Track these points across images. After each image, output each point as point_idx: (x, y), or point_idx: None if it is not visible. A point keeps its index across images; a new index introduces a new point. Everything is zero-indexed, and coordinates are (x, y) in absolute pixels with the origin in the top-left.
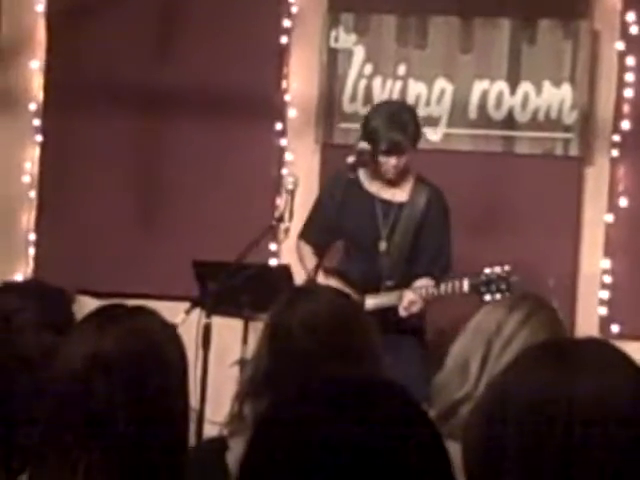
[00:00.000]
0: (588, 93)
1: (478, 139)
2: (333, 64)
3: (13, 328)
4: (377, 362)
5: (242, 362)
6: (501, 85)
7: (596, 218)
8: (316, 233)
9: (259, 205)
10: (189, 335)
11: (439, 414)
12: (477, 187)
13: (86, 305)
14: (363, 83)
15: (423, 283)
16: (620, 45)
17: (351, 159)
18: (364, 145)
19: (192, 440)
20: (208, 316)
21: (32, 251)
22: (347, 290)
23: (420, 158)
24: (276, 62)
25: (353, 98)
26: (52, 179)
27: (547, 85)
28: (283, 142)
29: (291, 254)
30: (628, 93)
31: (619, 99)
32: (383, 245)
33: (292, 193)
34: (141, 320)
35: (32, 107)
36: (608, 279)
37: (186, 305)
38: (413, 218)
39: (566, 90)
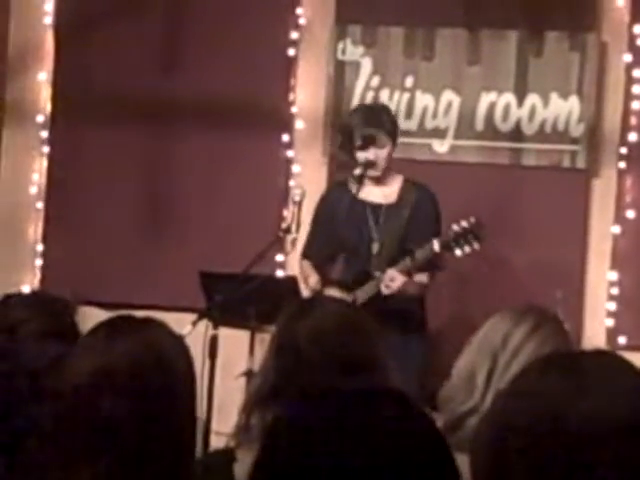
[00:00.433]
0: (595, 105)
1: (485, 151)
2: (340, 76)
3: (18, 339)
4: (385, 372)
5: (249, 373)
6: (508, 97)
7: (603, 230)
8: (317, 249)
9: (266, 216)
10: (196, 346)
11: (446, 426)
12: (484, 199)
13: (93, 316)
14: (370, 95)
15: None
16: (628, 57)
17: (358, 171)
18: (370, 157)
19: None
20: (215, 327)
21: (39, 262)
22: (344, 296)
23: (427, 170)
24: (284, 74)
25: None
26: (59, 190)
27: (554, 97)
28: (290, 154)
29: (297, 265)
30: (635, 105)
31: (626, 111)
32: (375, 247)
33: (299, 205)
34: (150, 332)
35: (40, 119)
36: (615, 291)
37: (193, 316)
38: (402, 218)
39: (573, 102)
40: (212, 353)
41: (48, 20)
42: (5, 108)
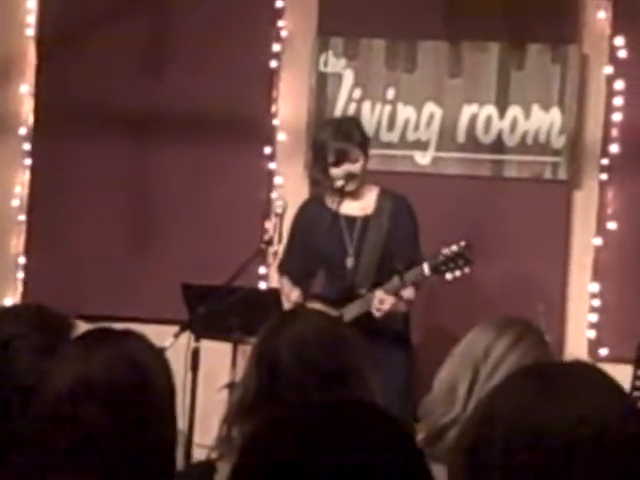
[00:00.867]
0: (577, 117)
1: (467, 163)
2: (322, 88)
3: (11, 355)
4: (366, 384)
5: (231, 386)
6: (490, 109)
7: (585, 242)
8: (295, 265)
9: (248, 229)
10: (178, 358)
11: (426, 438)
12: (465, 211)
13: (76, 328)
14: (352, 107)
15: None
16: (609, 69)
17: (340, 183)
18: (353, 169)
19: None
20: (197, 340)
21: (21, 275)
22: (328, 311)
23: (409, 182)
24: (265, 86)
25: None
26: (42, 203)
27: (536, 109)
28: (272, 166)
29: (278, 281)
30: (617, 117)
31: (607, 123)
32: (350, 261)
33: (281, 217)
34: (128, 344)
35: (22, 131)
36: (597, 302)
37: (175, 328)
38: (381, 229)
39: (555, 114)
40: (194, 365)
41: (30, 32)
42: None
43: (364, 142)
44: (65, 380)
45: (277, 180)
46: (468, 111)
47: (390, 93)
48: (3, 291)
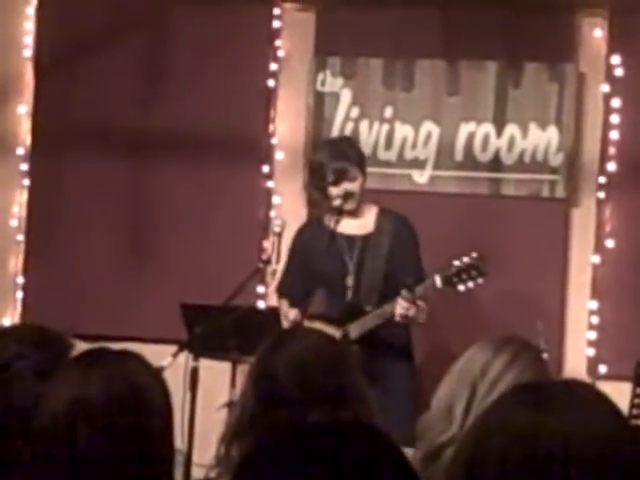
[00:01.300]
0: (574, 135)
1: (464, 181)
2: (320, 107)
3: (11, 376)
4: (364, 404)
5: (230, 405)
6: (487, 127)
7: (583, 259)
8: (293, 286)
9: (246, 248)
10: (177, 378)
11: (424, 456)
12: (463, 229)
13: (75, 348)
14: (350, 126)
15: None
16: (605, 87)
17: (337, 202)
18: (351, 187)
19: None
20: (195, 359)
21: (20, 295)
22: (331, 330)
23: (407, 200)
24: (263, 105)
25: None
26: (40, 223)
27: (533, 127)
28: (270, 185)
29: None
30: (614, 135)
31: (605, 141)
32: (350, 280)
33: (279, 236)
34: (125, 364)
35: (20, 151)
36: (595, 320)
37: (174, 348)
38: (382, 247)
39: (552, 132)
40: (193, 385)
41: (28, 53)
42: None
43: (361, 161)
44: (62, 401)
45: (275, 199)
46: (465, 129)
47: (388, 112)
48: (2, 311)
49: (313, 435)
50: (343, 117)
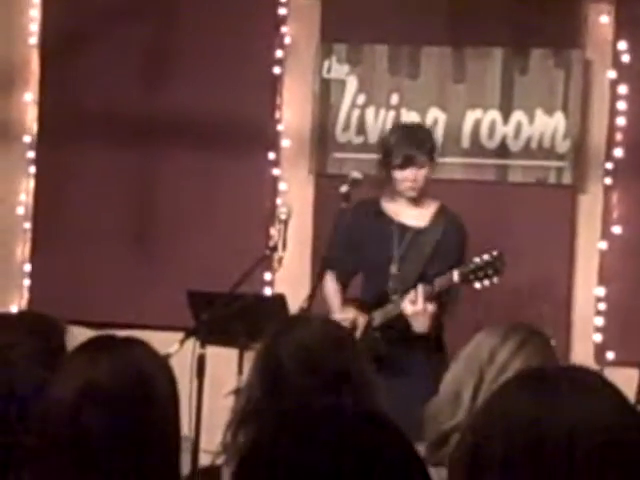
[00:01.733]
0: (581, 121)
1: (471, 168)
2: (326, 94)
3: (7, 363)
4: (369, 390)
5: (238, 392)
6: (494, 114)
7: (590, 246)
8: (337, 261)
9: (253, 235)
10: (184, 365)
11: (431, 442)
12: (470, 216)
13: (81, 335)
14: (356, 113)
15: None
16: (612, 74)
17: (344, 188)
18: (357, 174)
19: (187, 470)
20: (202, 346)
21: (27, 282)
22: (361, 315)
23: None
24: (269, 92)
25: (346, 128)
26: (46, 210)
27: (540, 114)
28: (276, 172)
29: (285, 283)
30: (620, 121)
31: (611, 127)
32: (394, 268)
33: (285, 223)
34: (131, 351)
35: (26, 139)
36: (602, 306)
37: (181, 335)
38: (428, 245)
39: (559, 119)
40: (200, 372)
41: (33, 40)
42: None
43: (432, 152)
44: (70, 388)
45: (281, 186)
46: (472, 116)
47: (394, 99)
48: (9, 298)
49: (318, 421)
50: (349, 104)
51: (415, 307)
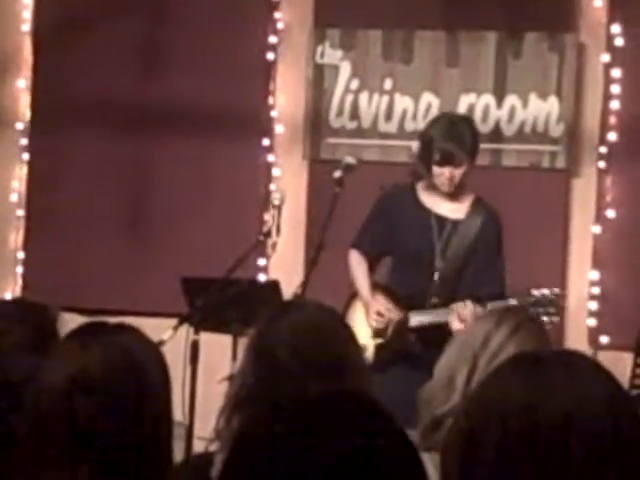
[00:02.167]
0: (574, 105)
1: None
2: (319, 80)
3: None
4: (361, 375)
5: (232, 378)
6: (487, 98)
7: (584, 230)
8: (370, 244)
9: (247, 221)
10: (177, 351)
11: (425, 427)
12: None
13: (75, 322)
14: (350, 98)
15: (466, 304)
16: (606, 57)
17: (338, 174)
18: (351, 160)
19: (181, 456)
20: (196, 332)
21: (20, 270)
22: (391, 306)
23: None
24: (263, 78)
25: (340, 113)
26: (40, 198)
27: (533, 98)
28: (270, 158)
29: (279, 269)
30: (614, 105)
31: (605, 111)
32: (438, 261)
33: (279, 208)
34: (123, 338)
35: (19, 126)
36: (596, 290)
37: (174, 322)
38: (467, 238)
39: (552, 103)
40: (193, 358)
41: (26, 27)
42: None
43: (474, 147)
44: (61, 375)
45: (275, 172)
46: (466, 101)
47: (387, 84)
48: (3, 286)
49: (311, 407)
50: (343, 89)
51: (463, 326)
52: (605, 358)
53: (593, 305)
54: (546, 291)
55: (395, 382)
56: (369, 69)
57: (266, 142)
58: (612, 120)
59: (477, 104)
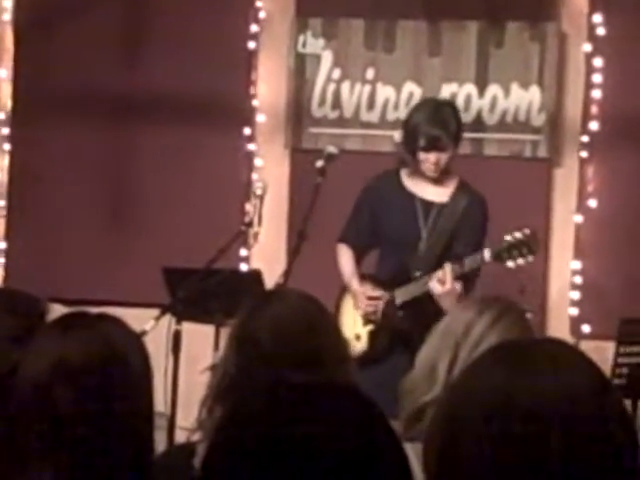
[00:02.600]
0: (556, 95)
1: None
2: (301, 69)
3: None
4: (344, 365)
5: (214, 368)
6: (469, 88)
7: (565, 219)
8: (357, 236)
9: (229, 210)
10: (159, 342)
11: (407, 417)
12: None
13: (57, 312)
14: (332, 87)
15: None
16: (587, 47)
17: (320, 163)
18: (333, 149)
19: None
20: (178, 322)
21: (1, 260)
22: (379, 291)
23: (389, 162)
24: (244, 67)
25: (322, 103)
26: (21, 188)
27: (515, 87)
28: (252, 147)
29: (261, 259)
30: (596, 94)
31: (587, 100)
32: (423, 245)
33: (261, 198)
34: (104, 327)
35: (1, 116)
36: (578, 280)
37: (156, 312)
38: (451, 221)
39: (534, 92)
40: (175, 348)
41: (7, 17)
42: None
43: (458, 131)
44: (41, 365)
45: (257, 161)
46: (448, 90)
47: (369, 73)
48: None
49: (293, 396)
50: (325, 78)
51: (444, 287)
52: (587, 347)
53: (575, 294)
54: (517, 233)
55: (395, 370)
56: (351, 58)
57: (248, 131)
58: (594, 110)
59: (459, 93)
